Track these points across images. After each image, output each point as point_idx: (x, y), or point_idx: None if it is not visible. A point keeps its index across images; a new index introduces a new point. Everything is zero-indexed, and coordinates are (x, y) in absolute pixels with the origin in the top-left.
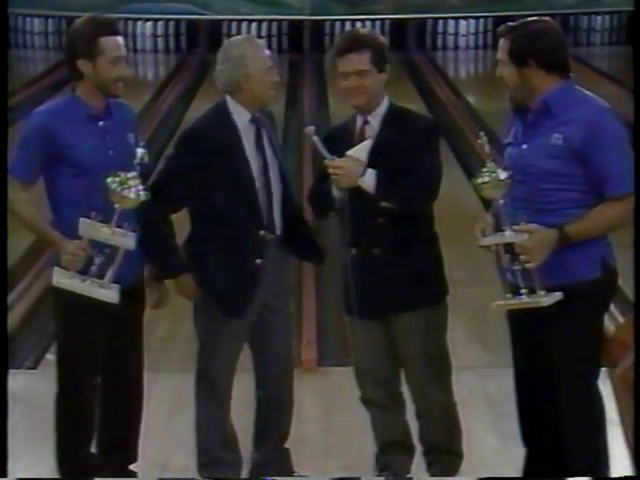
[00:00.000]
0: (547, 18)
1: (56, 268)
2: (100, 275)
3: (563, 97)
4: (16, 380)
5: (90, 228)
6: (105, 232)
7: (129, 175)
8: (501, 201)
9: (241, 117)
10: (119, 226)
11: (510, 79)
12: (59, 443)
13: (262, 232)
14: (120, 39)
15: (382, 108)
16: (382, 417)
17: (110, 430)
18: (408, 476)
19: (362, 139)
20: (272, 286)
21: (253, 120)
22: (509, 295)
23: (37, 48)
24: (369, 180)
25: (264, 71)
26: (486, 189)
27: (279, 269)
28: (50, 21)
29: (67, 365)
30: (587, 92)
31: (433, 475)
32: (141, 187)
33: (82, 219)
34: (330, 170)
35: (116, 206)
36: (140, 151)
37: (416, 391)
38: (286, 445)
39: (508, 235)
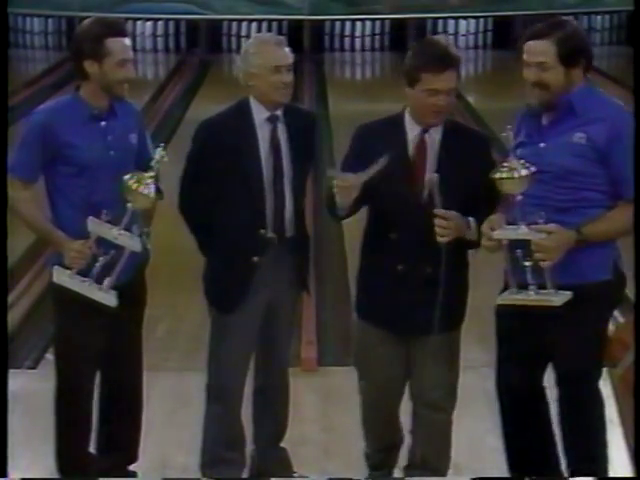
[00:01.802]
0: (567, 17)
1: (57, 266)
2: (101, 275)
3: (586, 97)
4: (16, 380)
5: (99, 227)
6: (113, 232)
7: (146, 175)
8: (519, 197)
9: (259, 115)
10: (127, 229)
11: (556, 81)
12: (58, 442)
13: (262, 231)
14: (127, 41)
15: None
16: (383, 425)
17: (110, 430)
18: (406, 477)
19: (423, 148)
20: (276, 285)
21: (270, 119)
22: (514, 290)
23: (37, 48)
24: (474, 233)
25: (267, 70)
26: (506, 184)
27: (286, 269)
28: (50, 21)
29: (65, 363)
30: (606, 94)
31: None
32: (153, 187)
33: (91, 218)
34: (438, 221)
35: (129, 206)
36: (159, 152)
37: (428, 411)
38: (284, 445)
39: (525, 231)
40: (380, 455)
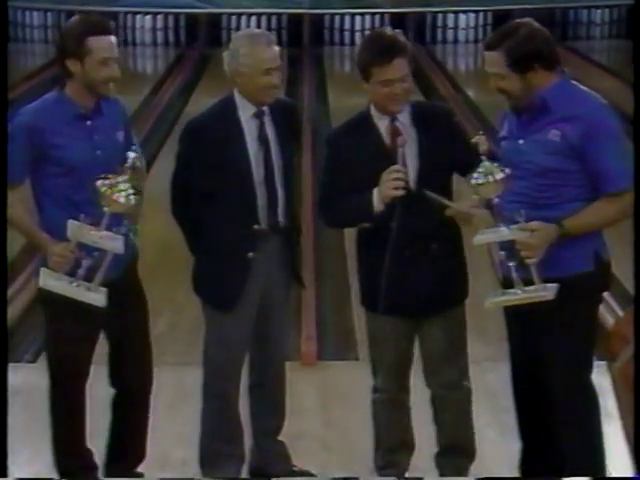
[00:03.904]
0: (527, 19)
1: (43, 269)
2: (87, 278)
3: (560, 93)
4: (16, 374)
5: (79, 230)
6: (93, 235)
7: (119, 179)
8: (496, 200)
9: (245, 111)
10: (108, 229)
11: (513, 89)
12: (55, 438)
13: (256, 226)
14: (111, 39)
15: (407, 106)
16: (390, 414)
17: (120, 433)
18: (417, 476)
19: (397, 135)
20: (270, 278)
21: (257, 114)
22: (501, 292)
23: (36, 42)
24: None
25: (257, 71)
26: (483, 189)
27: (280, 262)
28: (49, 15)
29: (56, 364)
30: (583, 87)
31: (445, 476)
32: (131, 191)
33: (70, 221)
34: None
35: (105, 209)
36: (132, 155)
37: (446, 390)
38: (283, 438)
39: (506, 232)
40: (389, 456)
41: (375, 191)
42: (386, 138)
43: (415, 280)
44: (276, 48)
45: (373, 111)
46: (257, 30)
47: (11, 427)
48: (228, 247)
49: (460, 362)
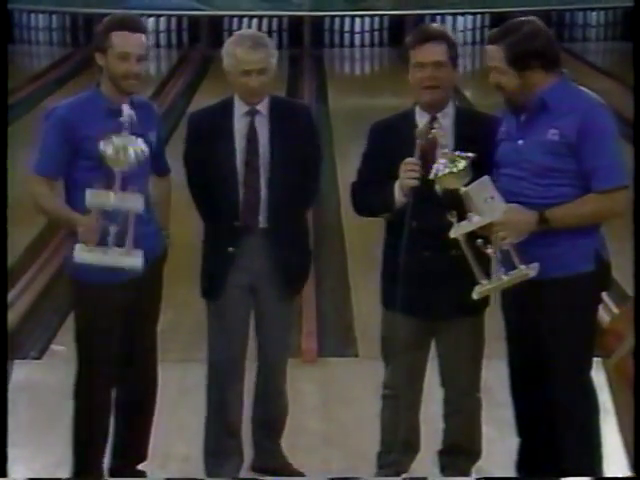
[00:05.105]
0: (532, 17)
1: (77, 245)
2: (118, 244)
3: (559, 93)
4: (21, 370)
5: (96, 197)
6: (111, 198)
7: (122, 136)
8: (463, 189)
9: (239, 108)
10: (124, 189)
11: (510, 84)
12: (76, 438)
13: (237, 222)
14: (136, 36)
15: (450, 108)
16: (397, 412)
17: (124, 430)
18: (422, 476)
19: (431, 135)
20: (259, 276)
21: (248, 113)
22: (485, 281)
23: (41, 44)
24: None
25: (236, 71)
26: (445, 181)
27: (265, 260)
28: (54, 17)
29: (86, 365)
30: (581, 87)
31: (447, 475)
32: (139, 143)
33: (88, 190)
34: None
35: (115, 169)
36: (126, 110)
37: (459, 397)
38: (285, 434)
39: (478, 219)
40: (392, 455)
41: (397, 183)
42: (424, 133)
43: (433, 282)
44: (262, 51)
45: (417, 109)
46: (248, 31)
47: (16, 423)
48: (214, 240)
49: (474, 373)
